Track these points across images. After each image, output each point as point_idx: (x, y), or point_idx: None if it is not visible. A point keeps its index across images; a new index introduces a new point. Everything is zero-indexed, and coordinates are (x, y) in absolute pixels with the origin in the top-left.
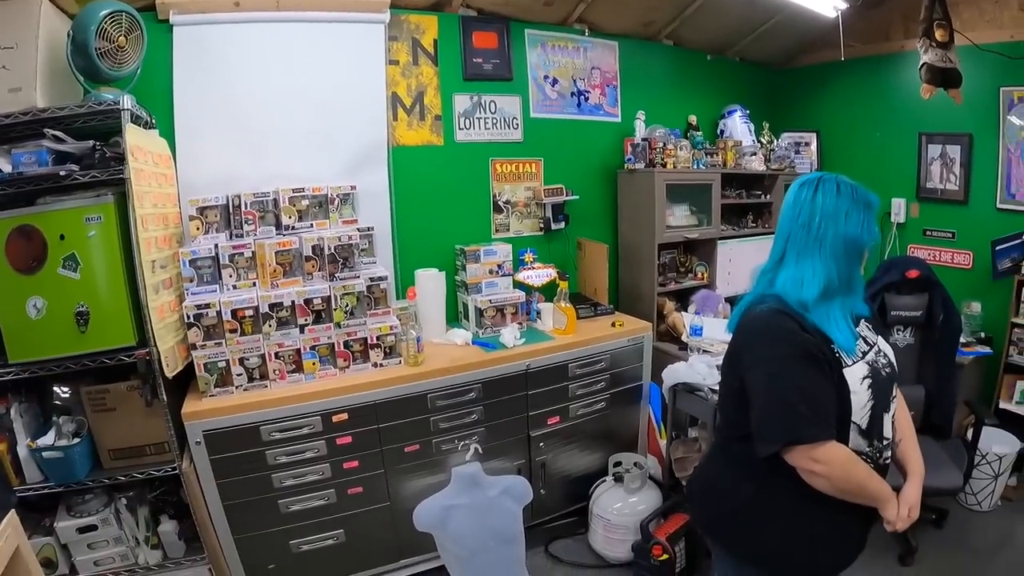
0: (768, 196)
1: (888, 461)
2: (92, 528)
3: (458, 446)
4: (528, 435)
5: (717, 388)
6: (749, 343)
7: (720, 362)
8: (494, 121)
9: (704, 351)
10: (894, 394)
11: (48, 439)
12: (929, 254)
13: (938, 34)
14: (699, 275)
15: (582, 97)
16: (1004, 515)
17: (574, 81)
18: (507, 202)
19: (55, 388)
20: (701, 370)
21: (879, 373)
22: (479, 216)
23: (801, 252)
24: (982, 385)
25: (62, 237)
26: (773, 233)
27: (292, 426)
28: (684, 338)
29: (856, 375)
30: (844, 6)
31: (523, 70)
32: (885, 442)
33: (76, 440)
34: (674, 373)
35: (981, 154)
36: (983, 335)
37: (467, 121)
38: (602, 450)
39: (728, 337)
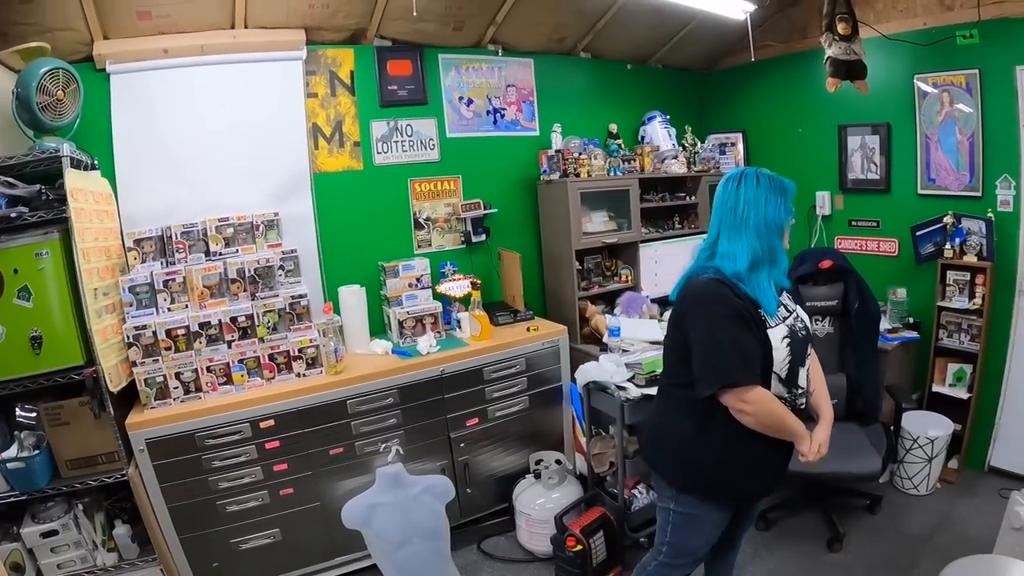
0: (693, 197)
1: (803, 406)
2: (54, 533)
3: (380, 448)
4: (448, 436)
5: (623, 385)
6: (692, 305)
7: (635, 359)
8: (411, 143)
9: (624, 351)
10: (808, 352)
11: (11, 452)
12: (856, 244)
13: (840, 28)
14: (624, 278)
15: (498, 114)
16: (942, 498)
17: (489, 100)
18: (428, 219)
19: (16, 406)
20: (609, 368)
21: (796, 334)
22: (401, 233)
23: (731, 232)
24: (915, 369)
25: (16, 271)
26: (700, 233)
27: (224, 432)
28: (605, 339)
29: (777, 335)
30: (752, 8)
31: (438, 93)
32: (800, 390)
33: (36, 452)
34: (585, 373)
35: (900, 142)
36: (911, 320)
37: (385, 145)
38: (528, 449)
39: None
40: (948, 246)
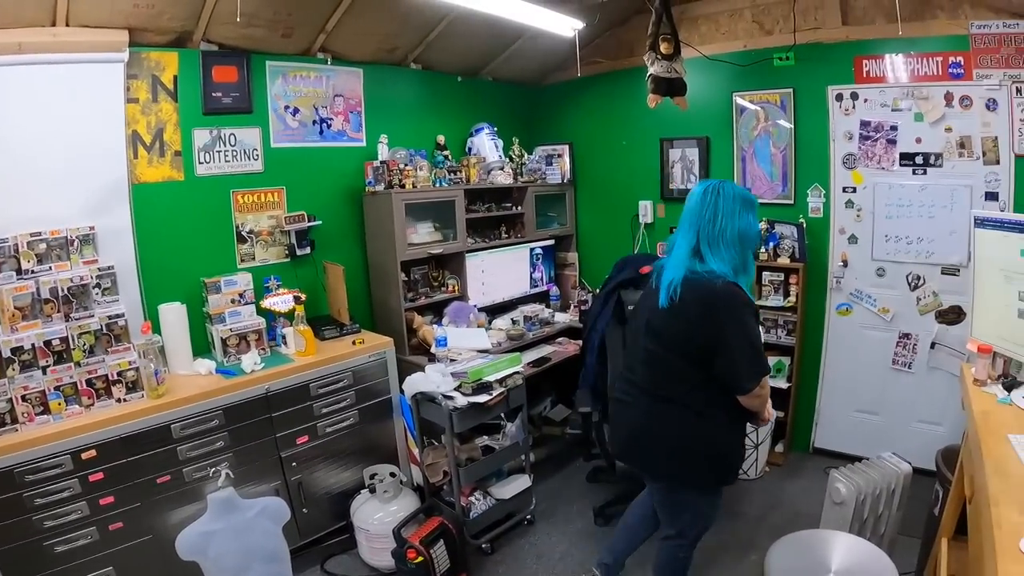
0: (519, 207)
1: None
2: None
3: (210, 472)
4: (279, 456)
5: (450, 394)
6: (720, 309)
7: (461, 368)
8: (234, 153)
9: (451, 360)
10: None
11: None
12: None
13: (663, 47)
14: (451, 288)
15: (324, 125)
16: (771, 481)
17: (316, 109)
18: (251, 232)
19: None
20: (435, 379)
21: None
22: (224, 247)
23: (712, 242)
24: None
25: None
26: (526, 242)
27: (44, 467)
28: (432, 349)
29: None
30: (580, 26)
31: (263, 101)
32: None
33: None
34: (412, 384)
35: (718, 155)
36: None
37: (207, 155)
38: (362, 464)
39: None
40: (763, 249)
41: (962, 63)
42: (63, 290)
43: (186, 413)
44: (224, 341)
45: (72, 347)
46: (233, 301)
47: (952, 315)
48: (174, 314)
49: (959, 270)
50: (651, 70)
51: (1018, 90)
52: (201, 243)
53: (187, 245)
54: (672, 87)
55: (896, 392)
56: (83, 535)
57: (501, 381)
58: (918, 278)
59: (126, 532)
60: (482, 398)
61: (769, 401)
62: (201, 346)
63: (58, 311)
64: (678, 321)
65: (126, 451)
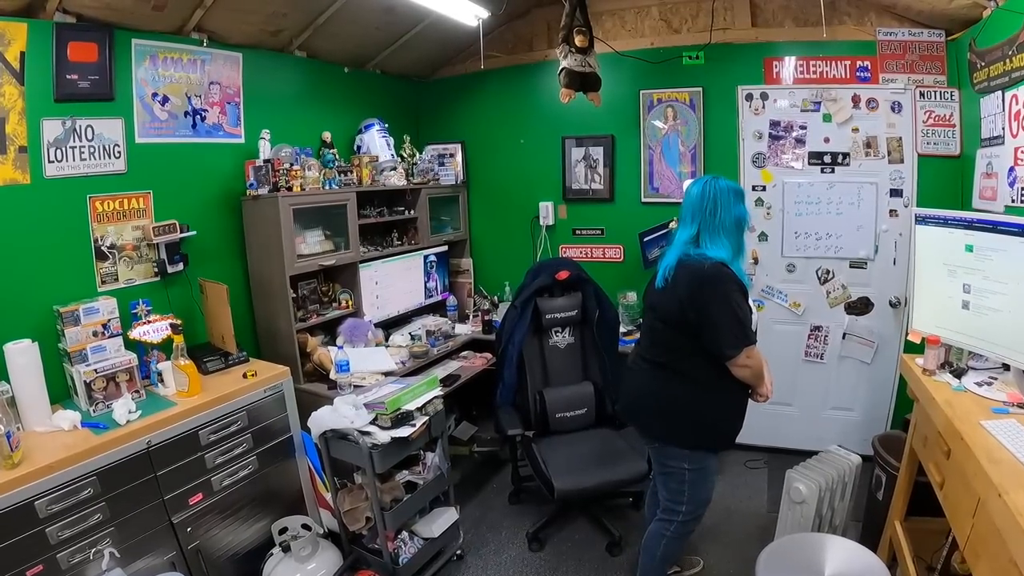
0: (412, 211)
1: None
2: None
3: (90, 555)
4: (171, 522)
5: (367, 430)
6: (707, 286)
7: (375, 397)
8: (92, 150)
9: (356, 386)
10: None
11: None
12: (581, 252)
13: (578, 40)
14: (344, 303)
15: (198, 116)
16: None
17: (188, 99)
18: (112, 246)
19: None
20: (347, 413)
21: None
22: (80, 267)
23: (711, 231)
24: None
25: None
26: (420, 249)
27: None
28: (332, 376)
29: (753, 305)
30: (485, 15)
31: (128, 87)
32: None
33: None
34: (320, 421)
35: (624, 154)
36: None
37: (59, 152)
38: (268, 516)
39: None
40: None
41: (869, 67)
42: None
43: (52, 484)
44: (88, 385)
45: None
46: (96, 334)
47: (860, 306)
48: (24, 355)
49: (866, 263)
50: (564, 63)
51: (921, 94)
52: (53, 263)
53: (36, 266)
54: (586, 82)
55: (809, 382)
56: None
57: (421, 408)
58: (827, 272)
59: None
60: (405, 431)
61: (768, 377)
62: (60, 393)
63: None
64: (672, 298)
65: None
